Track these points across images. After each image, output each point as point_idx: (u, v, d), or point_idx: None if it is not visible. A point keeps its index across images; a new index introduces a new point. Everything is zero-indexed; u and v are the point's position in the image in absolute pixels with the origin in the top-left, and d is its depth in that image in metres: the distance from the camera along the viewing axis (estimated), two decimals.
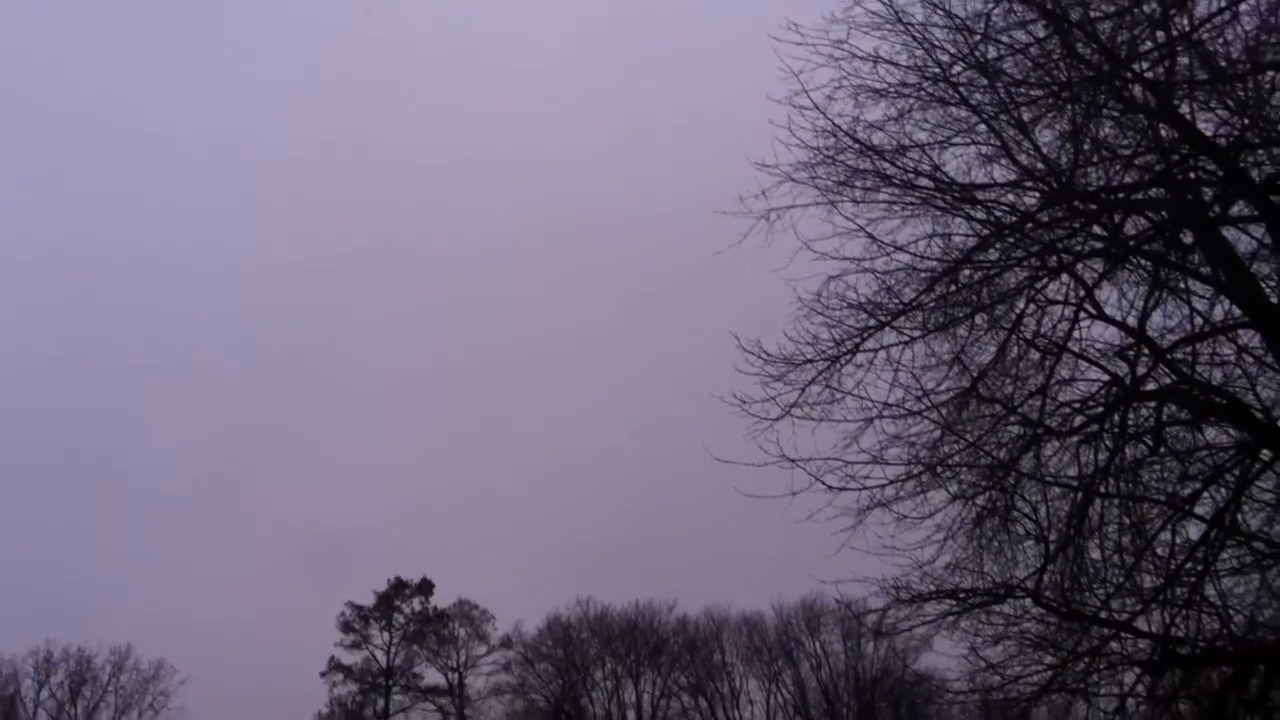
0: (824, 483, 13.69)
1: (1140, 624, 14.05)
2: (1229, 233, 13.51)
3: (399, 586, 64.90)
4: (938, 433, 14.06)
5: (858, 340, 13.99)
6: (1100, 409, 14.12)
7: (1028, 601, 14.16)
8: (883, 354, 14.01)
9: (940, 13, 13.21)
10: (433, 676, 64.31)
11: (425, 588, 65.01)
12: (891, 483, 13.87)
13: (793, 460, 13.72)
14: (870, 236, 13.81)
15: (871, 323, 13.87)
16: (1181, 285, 14.08)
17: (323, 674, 63.29)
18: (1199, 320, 14.03)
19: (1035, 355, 14.28)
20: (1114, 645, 14.45)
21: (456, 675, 63.90)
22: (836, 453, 13.79)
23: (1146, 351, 14.02)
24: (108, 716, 68.03)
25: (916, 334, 13.91)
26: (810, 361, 14.05)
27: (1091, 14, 12.82)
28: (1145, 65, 12.87)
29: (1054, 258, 13.74)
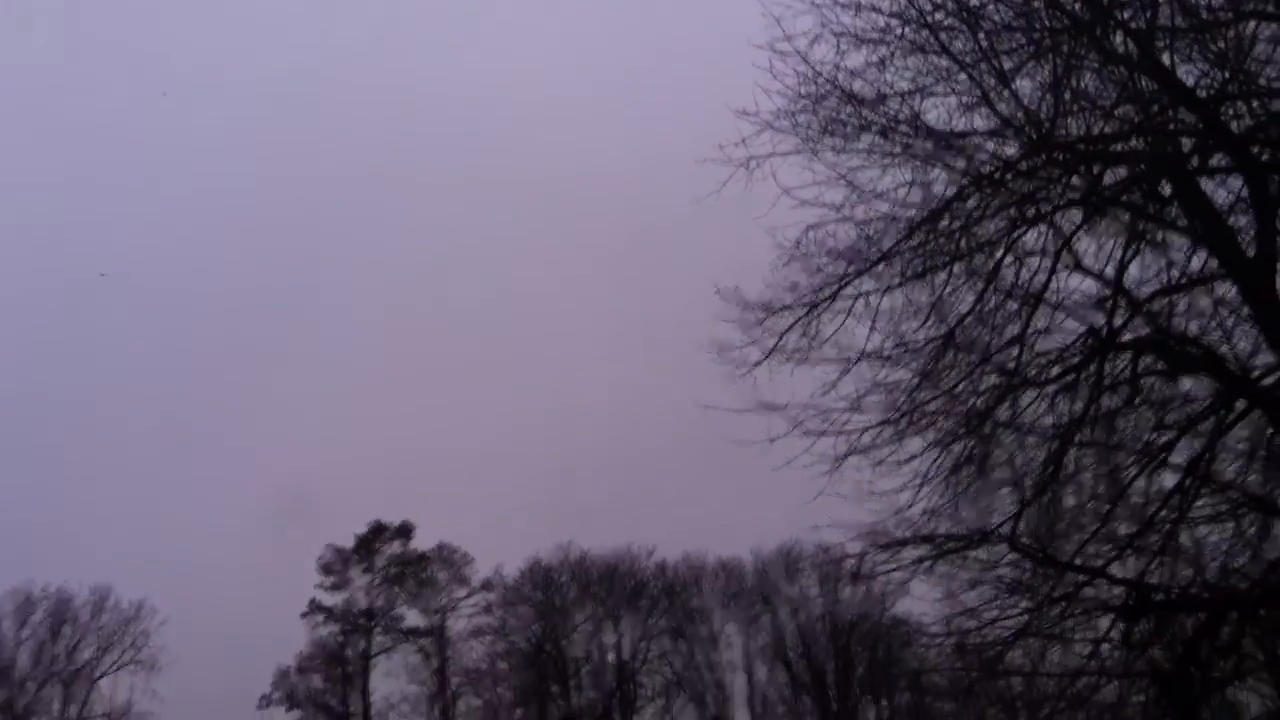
0: (802, 428, 13.77)
1: (1115, 570, 14.23)
2: (1207, 185, 13.54)
3: (378, 530, 65.14)
4: (915, 381, 14.15)
5: (837, 287, 14.02)
6: (1077, 359, 14.20)
7: (1003, 547, 14.32)
8: (861, 301, 14.07)
9: None
10: (414, 618, 64.75)
11: (405, 531, 65.29)
12: (869, 428, 13.96)
13: (770, 407, 13.78)
14: (850, 184, 13.84)
15: (851, 270, 13.90)
16: (1159, 237, 14.14)
17: (304, 615, 63.66)
18: (1176, 272, 14.10)
19: (1013, 305, 14.33)
20: (1089, 591, 14.63)
21: (438, 617, 64.33)
22: (814, 400, 13.86)
23: (1124, 302, 14.08)
24: (89, 655, 68.12)
25: (895, 282, 13.96)
26: (789, 308, 14.10)
27: None
28: (1127, 14, 12.85)
29: (1032, 208, 13.76)
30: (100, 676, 68.01)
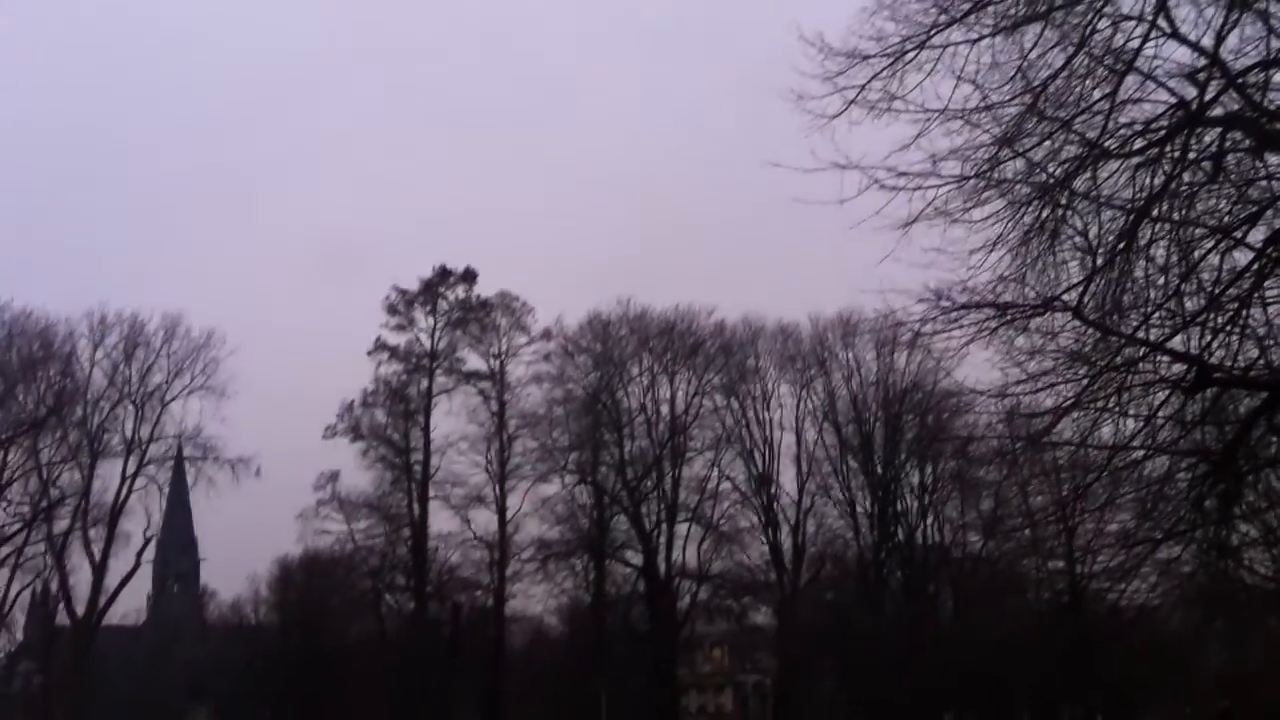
0: (878, 181, 13.57)
1: (1177, 346, 14.26)
2: None
3: (443, 274, 65.67)
4: (995, 147, 13.92)
5: (925, 36, 13.59)
6: (1163, 131, 13.88)
7: (1067, 316, 14.35)
8: (946, 59, 13.68)
9: None
10: (474, 362, 65.79)
11: (469, 276, 65.75)
12: (946, 184, 13.76)
13: (844, 165, 13.62)
14: None
15: (941, 18, 13.43)
16: (1264, 6, 13.56)
17: (369, 353, 64.98)
18: (1276, 44, 13.58)
19: (1101, 72, 13.94)
20: (1148, 366, 14.72)
21: (498, 362, 65.46)
22: (891, 159, 13.67)
23: (1217, 74, 13.63)
24: (160, 380, 69.98)
25: (986, 32, 13.46)
26: (873, 58, 13.72)
27: None
28: None
29: None
30: (171, 400, 70.10)
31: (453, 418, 65.69)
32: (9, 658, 76.98)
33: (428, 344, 65.33)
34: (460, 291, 65.53)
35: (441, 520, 65.91)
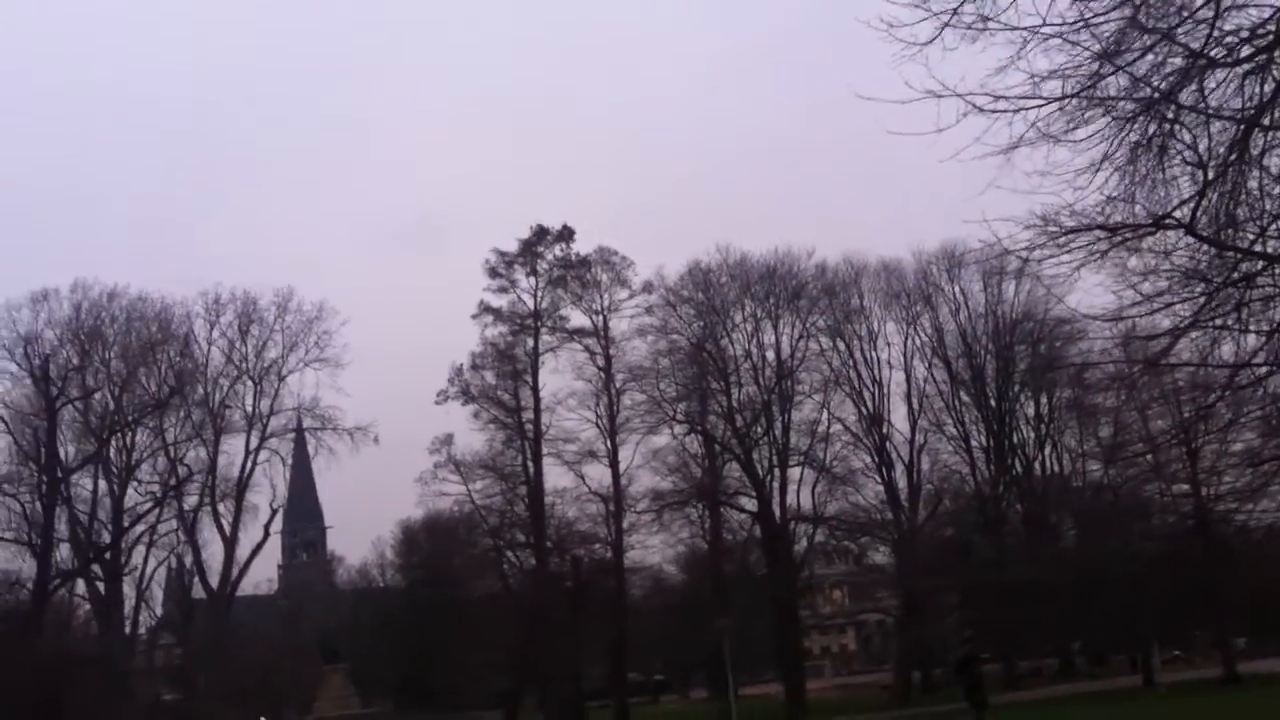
0: (977, 106, 13.26)
1: None
2: None
3: (540, 233, 65.91)
4: (1096, 64, 13.54)
5: None
6: (1270, 36, 13.39)
7: (1179, 233, 14.00)
8: None
9: None
10: (578, 319, 66.12)
11: (566, 234, 65.88)
12: (1048, 103, 13.42)
13: (939, 95, 13.35)
14: None
15: None
16: None
17: (474, 316, 65.63)
18: None
19: None
20: (1268, 279, 14.31)
21: (600, 318, 65.69)
22: (988, 84, 13.36)
23: None
24: (276, 354, 71.80)
25: None
26: None
27: None
28: None
29: None
30: (288, 374, 72.03)
31: (560, 375, 66.35)
32: (150, 632, 79.83)
33: (530, 304, 65.88)
34: (558, 250, 65.86)
35: (556, 476, 66.82)
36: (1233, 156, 13.48)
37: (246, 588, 79.55)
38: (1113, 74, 13.47)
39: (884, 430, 66.58)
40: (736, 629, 56.31)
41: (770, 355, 64.63)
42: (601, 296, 65.58)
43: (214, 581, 70.51)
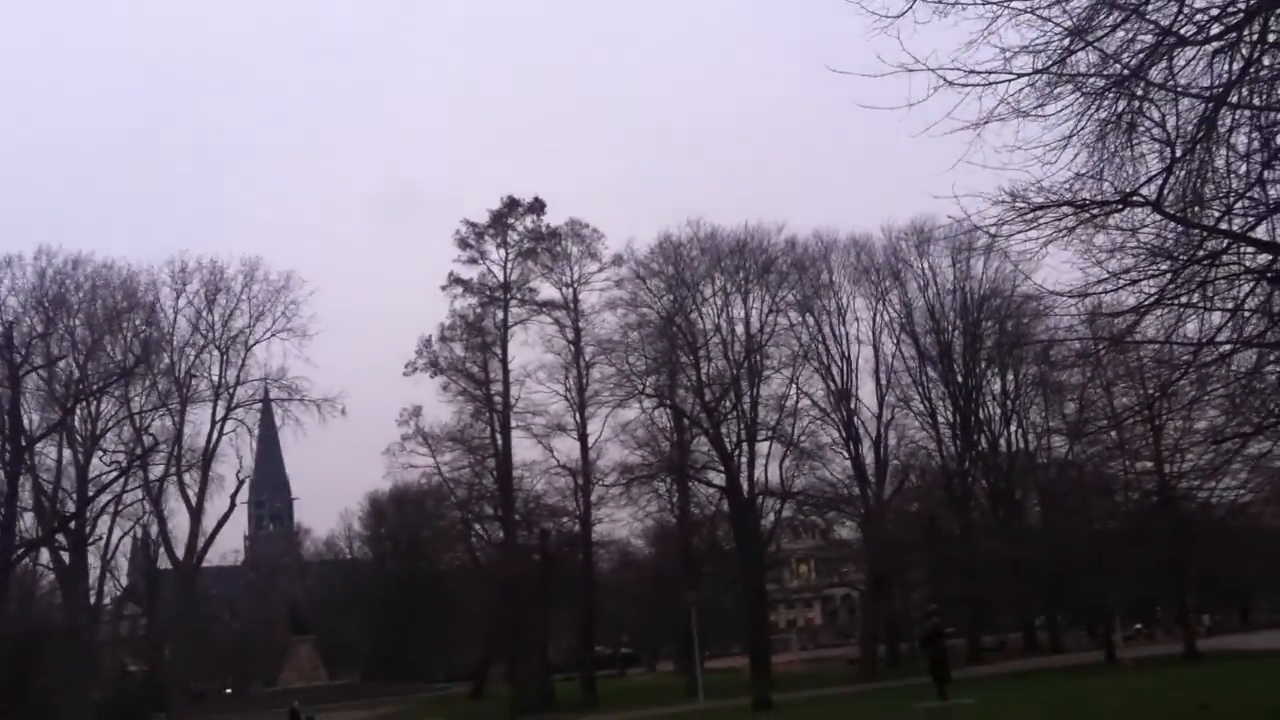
0: (947, 80, 13.26)
1: (1261, 234, 13.93)
2: None
3: (511, 205, 65.47)
4: (1067, 39, 13.55)
5: None
6: (1239, 14, 13.43)
7: (1146, 211, 14.05)
8: None
9: None
10: (548, 291, 65.80)
11: (537, 206, 65.46)
12: (1018, 76, 13.43)
13: (911, 69, 13.33)
14: None
15: None
16: None
17: (443, 287, 65.11)
18: None
19: None
20: (1233, 257, 14.40)
21: (570, 290, 65.41)
22: (959, 57, 13.35)
23: None
24: (243, 323, 71.24)
25: None
26: None
27: None
28: None
29: None
30: (255, 344, 71.54)
31: (529, 348, 66.07)
32: (115, 603, 79.45)
33: (500, 275, 65.50)
34: (529, 222, 65.45)
35: (524, 449, 66.65)
36: (1201, 134, 13.54)
37: (213, 559, 79.38)
38: (1083, 49, 13.50)
39: (852, 405, 66.73)
40: (704, 603, 56.56)
41: (740, 330, 64.57)
42: (572, 269, 65.38)
43: (180, 552, 70.15)
